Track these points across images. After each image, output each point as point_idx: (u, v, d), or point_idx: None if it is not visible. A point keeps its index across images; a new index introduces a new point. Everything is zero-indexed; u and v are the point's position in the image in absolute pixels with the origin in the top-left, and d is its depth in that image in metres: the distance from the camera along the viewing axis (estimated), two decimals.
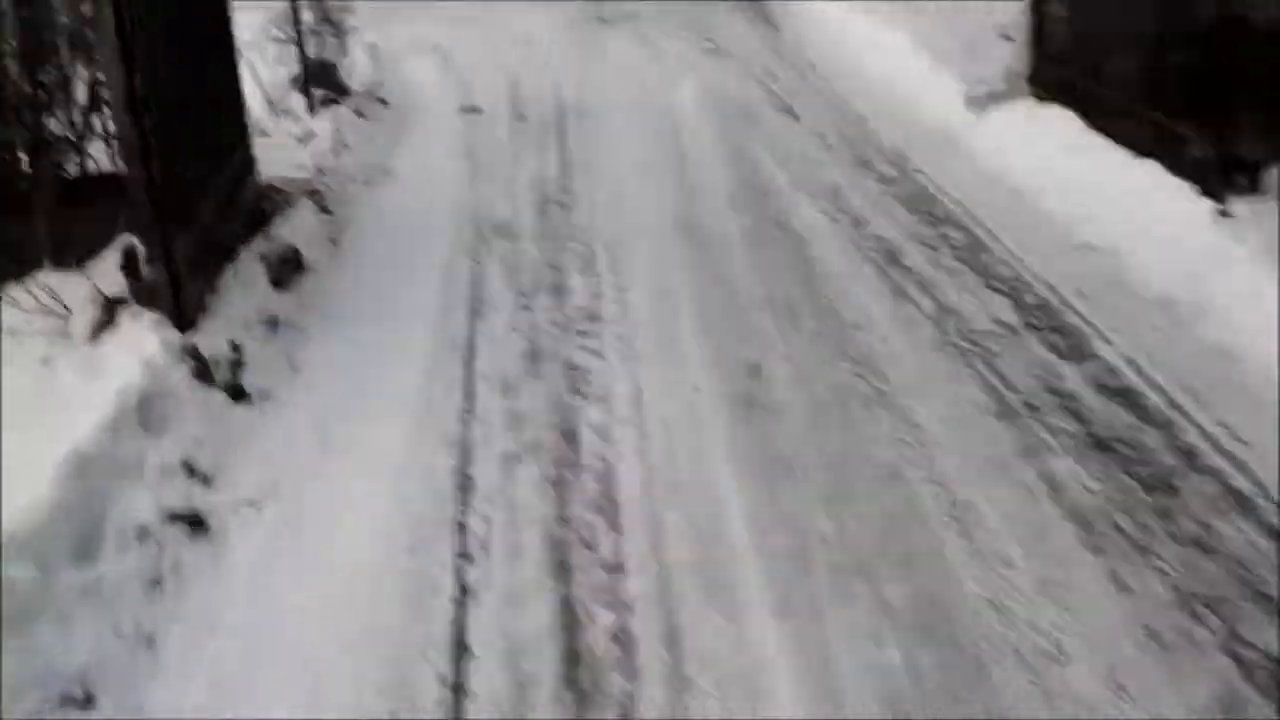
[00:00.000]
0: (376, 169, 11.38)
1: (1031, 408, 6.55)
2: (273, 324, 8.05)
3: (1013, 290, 7.98)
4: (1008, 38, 12.63)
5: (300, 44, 12.71)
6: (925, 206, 9.58)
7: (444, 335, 7.92)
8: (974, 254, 8.59)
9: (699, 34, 16.50)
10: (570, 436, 6.57)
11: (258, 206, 9.60)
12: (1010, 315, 7.62)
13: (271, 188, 10.19)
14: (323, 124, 12.03)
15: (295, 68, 13.00)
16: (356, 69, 14.04)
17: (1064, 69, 10.53)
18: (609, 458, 6.34)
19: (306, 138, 11.82)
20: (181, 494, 6.07)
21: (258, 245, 8.84)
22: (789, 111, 12.43)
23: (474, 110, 13.37)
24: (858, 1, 15.52)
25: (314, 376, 7.48)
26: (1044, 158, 9.90)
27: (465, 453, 6.52)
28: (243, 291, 8.12)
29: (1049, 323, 7.52)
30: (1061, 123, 10.22)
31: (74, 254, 7.49)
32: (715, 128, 12.11)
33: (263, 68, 12.58)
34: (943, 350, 7.24)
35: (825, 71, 14.10)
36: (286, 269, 8.75)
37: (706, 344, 7.45)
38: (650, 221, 9.60)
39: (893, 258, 8.49)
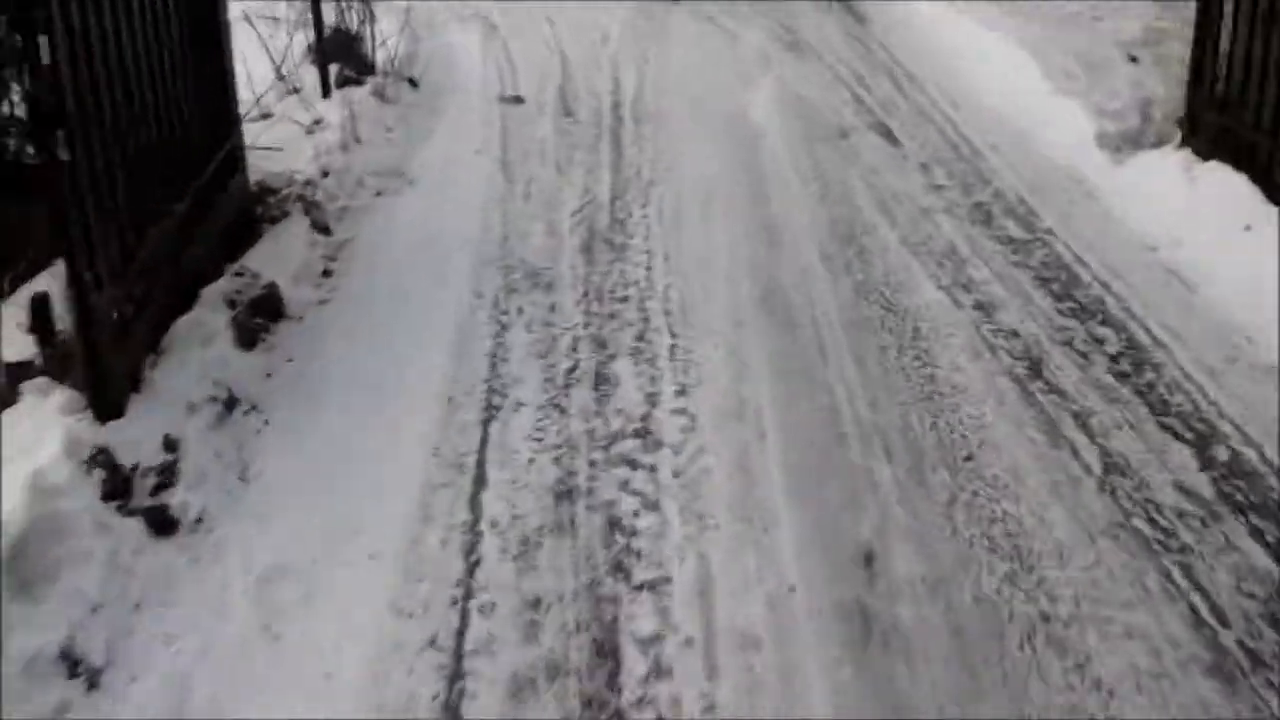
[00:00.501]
0: (392, 173, 9.36)
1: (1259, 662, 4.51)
2: (229, 404, 6.20)
3: (1199, 439, 6.00)
4: (1133, 59, 10.97)
5: (316, 8, 10.39)
6: (1067, 287, 7.59)
7: (445, 445, 6.03)
8: (1139, 370, 6.66)
9: (778, 23, 14.47)
10: (607, 652, 4.64)
11: (239, 219, 7.83)
12: (1202, 484, 5.64)
13: (263, 189, 8.34)
14: (336, 109, 10.00)
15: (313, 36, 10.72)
16: (384, 41, 11.99)
17: (1233, 119, 8.46)
18: (661, 699, 4.37)
19: (314, 126, 9.67)
20: (51, 706, 4.13)
21: (227, 283, 6.71)
22: (886, 133, 10.46)
23: (516, 100, 11.31)
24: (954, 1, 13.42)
25: (269, 497, 5.60)
26: (1209, 231, 7.95)
27: (455, 669, 4.60)
28: (196, 353, 6.33)
29: (1256, 497, 5.51)
30: (1228, 186, 8.26)
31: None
32: (799, 147, 10.14)
33: (276, 34, 10.77)
34: (1119, 540, 5.26)
35: (923, 81, 12.05)
36: (259, 318, 6.84)
37: (801, 509, 5.45)
38: (721, 281, 7.68)
39: (1035, 369, 6.52)
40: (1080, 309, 7.12)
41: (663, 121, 10.67)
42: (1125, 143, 9.49)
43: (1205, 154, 8.45)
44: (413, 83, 11.71)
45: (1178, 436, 5.91)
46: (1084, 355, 6.61)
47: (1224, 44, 8.45)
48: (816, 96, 11.36)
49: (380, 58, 11.73)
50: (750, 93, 11.55)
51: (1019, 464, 5.62)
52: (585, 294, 7.36)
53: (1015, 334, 6.80)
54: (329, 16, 11.29)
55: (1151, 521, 5.28)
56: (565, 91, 11.69)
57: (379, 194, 9.09)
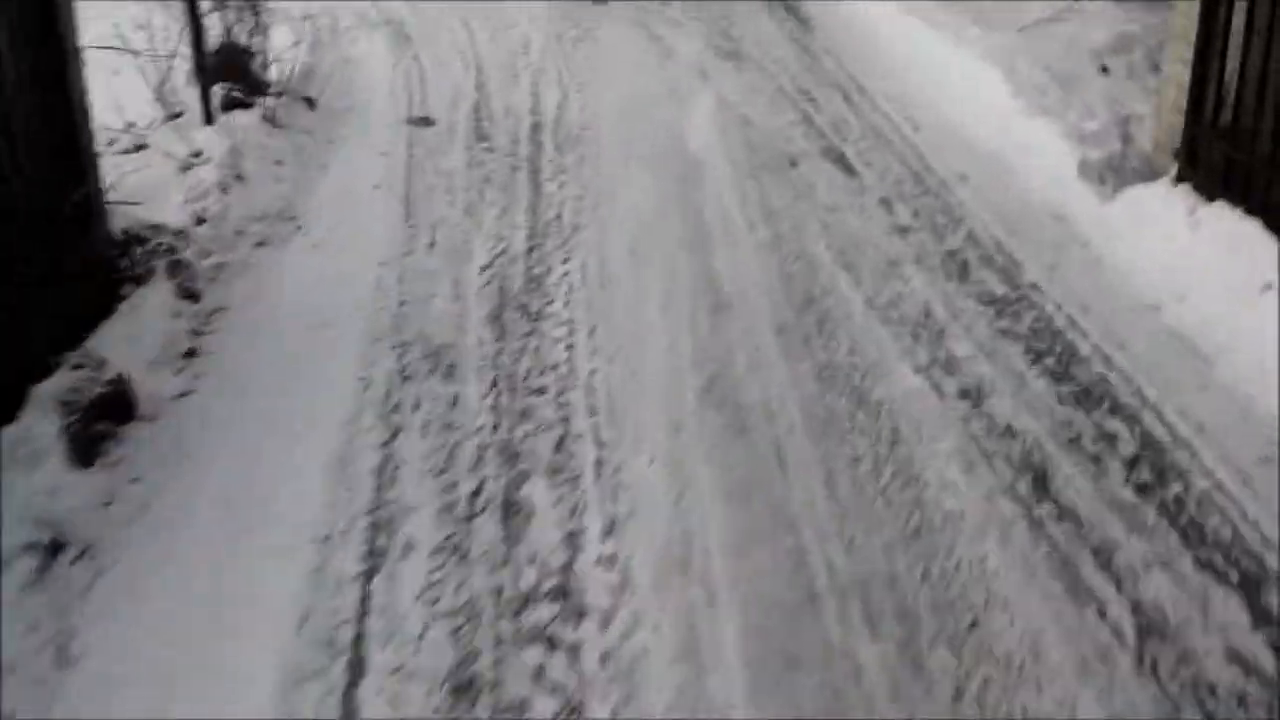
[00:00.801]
0: (279, 216, 8.11)
1: None
2: (54, 550, 5.02)
3: (1246, 581, 4.87)
4: (1105, 69, 9.89)
5: (195, 20, 8.92)
6: (1065, 363, 6.43)
7: (317, 611, 4.75)
8: (1161, 480, 5.50)
9: (715, 29, 13.27)
10: None
11: (94, 284, 6.56)
12: (1258, 649, 4.52)
13: (129, 240, 7.04)
14: (218, 140, 8.60)
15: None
16: (280, 55, 10.75)
17: (1242, 151, 7.31)
18: None
19: (193, 160, 8.20)
20: None
21: (64, 377, 5.42)
22: (840, 160, 9.32)
23: (424, 123, 9.91)
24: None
25: (91, 693, 4.36)
26: (1219, 287, 6.81)
27: None
28: (18, 480, 5.15)
29: None
30: (1238, 232, 7.11)
31: None
32: (744, 179, 8.94)
33: (155, 51, 9.45)
34: None
35: (877, 97, 10.82)
36: (102, 423, 5.63)
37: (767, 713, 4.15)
38: (657, 365, 6.44)
39: (1041, 484, 5.40)
40: (1084, 394, 5.95)
41: (588, 148, 9.35)
42: (1110, 172, 8.29)
43: (1207, 191, 7.29)
44: (310, 103, 10.27)
45: (1220, 577, 4.79)
46: (1095, 461, 5.43)
47: (1231, 63, 7.13)
48: (761, 116, 10.15)
49: (275, 74, 10.40)
50: (687, 112, 10.35)
51: (1035, 631, 4.42)
52: (494, 383, 6.05)
53: (1012, 433, 5.58)
54: (215, 28, 9.70)
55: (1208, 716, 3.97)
56: (480, 111, 10.34)
57: (261, 244, 7.74)
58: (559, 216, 8.10)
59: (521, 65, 11.75)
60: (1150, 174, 8.16)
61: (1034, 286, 7.04)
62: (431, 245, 7.76)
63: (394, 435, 5.71)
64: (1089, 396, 5.93)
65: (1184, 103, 7.75)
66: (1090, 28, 10.53)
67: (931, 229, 7.81)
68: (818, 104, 10.42)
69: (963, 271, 7.24)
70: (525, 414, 5.83)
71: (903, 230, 7.83)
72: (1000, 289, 7.00)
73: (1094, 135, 8.81)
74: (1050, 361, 6.24)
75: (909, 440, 5.57)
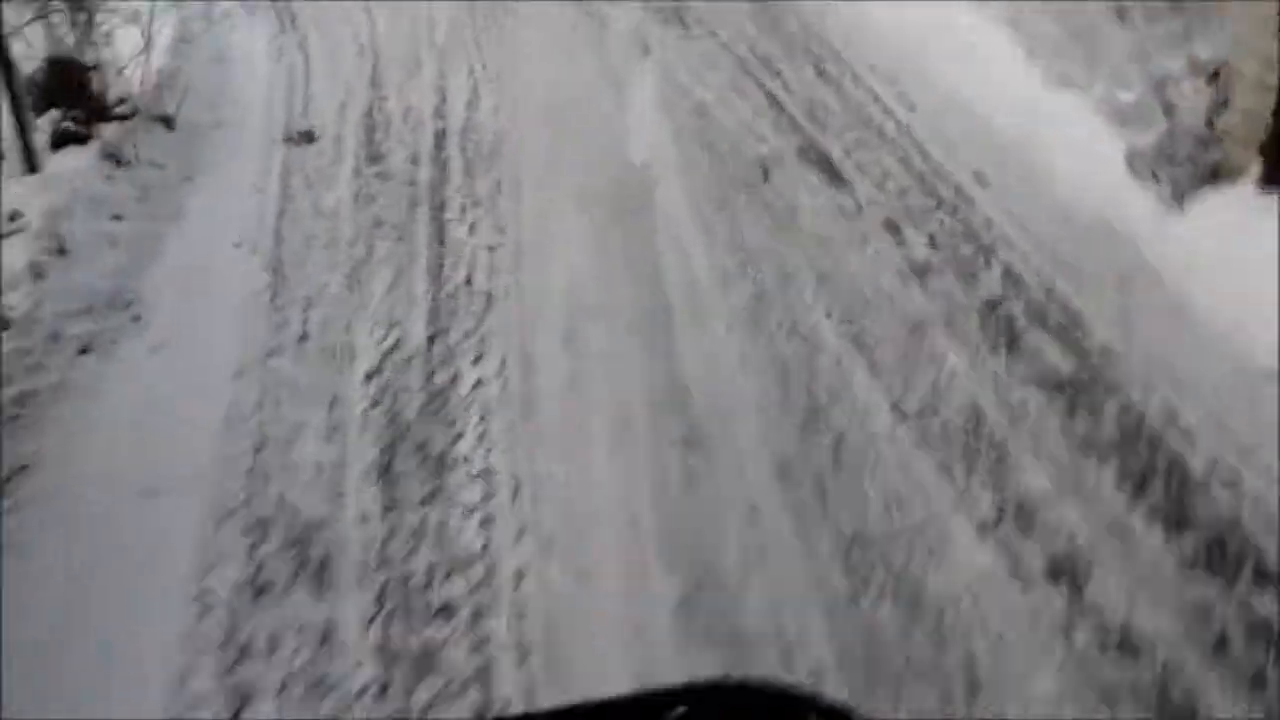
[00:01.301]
0: (110, 303, 6.35)
1: None
2: None
3: None
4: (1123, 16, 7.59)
5: None
6: (1178, 495, 4.49)
7: None
8: None
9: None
10: None
11: None
12: None
13: None
14: (39, 196, 6.34)
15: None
16: (131, 61, 8.73)
17: None
18: None
19: (8, 227, 6.04)
20: None
21: None
22: (824, 164, 7.34)
23: (306, 139, 7.81)
24: None
25: None
26: None
27: None
28: None
29: None
30: None
31: None
32: (706, 209, 6.99)
33: None
34: None
35: (855, 64, 8.71)
36: None
37: None
38: (616, 564, 4.49)
39: None
40: (1212, 555, 3.74)
41: (505, 167, 7.50)
42: (1166, 166, 6.25)
43: None
44: (168, 123, 8.13)
45: None
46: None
47: None
48: (719, 102, 8.23)
49: (125, 89, 8.33)
50: (627, 102, 8.39)
51: None
52: (381, 597, 3.90)
53: (1133, 648, 3.35)
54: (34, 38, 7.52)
55: None
56: (374, 115, 8.39)
57: (85, 351, 5.60)
58: (468, 281, 6.11)
59: (426, 48, 9.75)
60: (1219, 170, 6.04)
61: (1107, 355, 5.08)
62: (302, 339, 5.71)
63: (241, 704, 3.55)
64: (1221, 559, 3.79)
65: (1275, 81, 5.58)
66: None
67: (957, 267, 5.78)
68: (786, 81, 8.31)
69: (1010, 337, 5.25)
70: (426, 662, 3.71)
71: (920, 271, 5.78)
72: (1064, 364, 5.07)
73: (1133, 110, 7.00)
74: (1157, 496, 4.14)
75: (991, 683, 3.40)
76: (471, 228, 6.67)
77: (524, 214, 6.77)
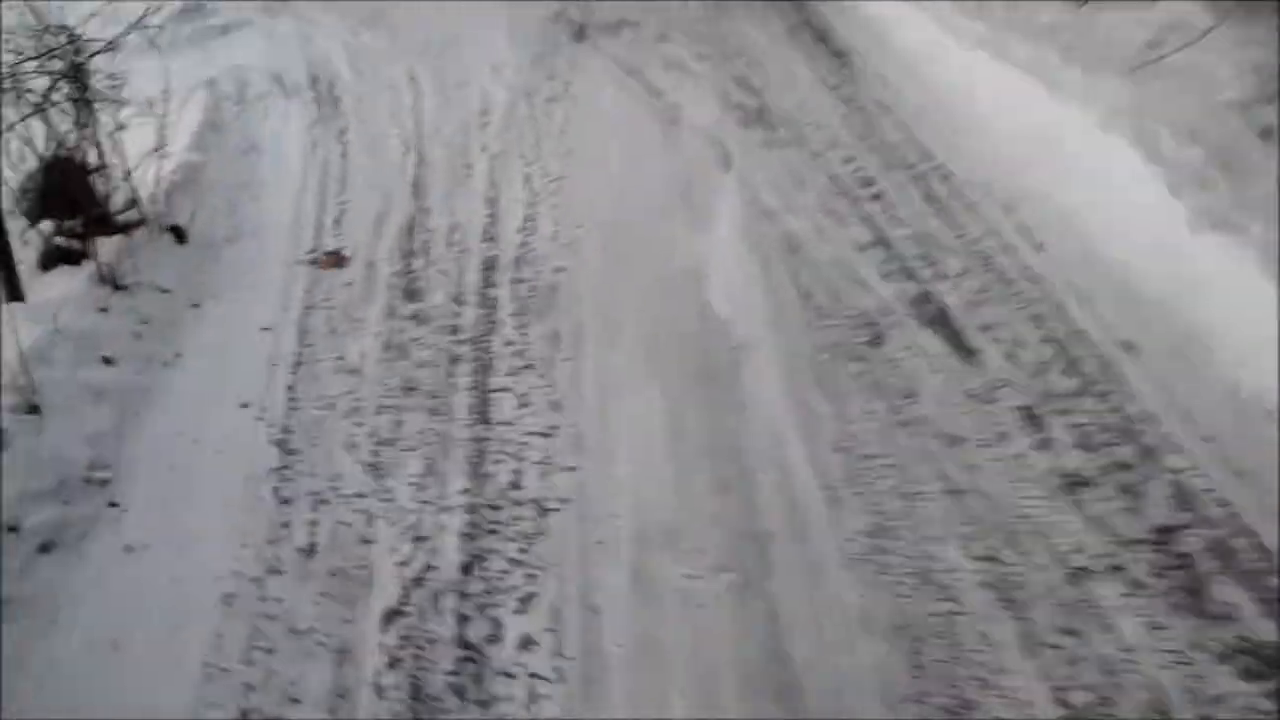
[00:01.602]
0: (85, 480, 5.49)
1: None
2: None
3: None
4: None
5: None
6: None
7: None
8: None
9: (729, 72, 9.93)
10: None
11: None
12: None
13: None
14: (17, 332, 5.19)
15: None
16: (155, 154, 7.61)
17: None
18: None
19: None
20: None
21: None
22: (944, 324, 6.17)
23: (334, 262, 6.61)
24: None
25: None
26: None
27: None
28: None
29: None
30: None
31: None
32: (804, 388, 5.76)
33: None
34: None
35: (966, 184, 7.56)
36: None
37: None
38: None
39: None
40: None
41: (563, 313, 6.40)
42: None
43: None
44: (179, 234, 6.84)
45: None
46: None
47: None
48: (812, 232, 7.12)
49: (137, 189, 7.50)
50: (705, 227, 7.26)
51: None
52: None
53: None
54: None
55: None
56: (415, 234, 7.38)
57: (46, 549, 4.51)
58: (516, 484, 4.74)
59: (477, 145, 8.63)
60: None
61: None
62: (310, 552, 4.39)
63: None
64: None
65: None
66: (1212, 58, 7.09)
67: (1115, 479, 4.50)
68: (889, 203, 7.09)
69: (1192, 589, 3.77)
70: None
71: (1072, 486, 4.47)
72: (1267, 632, 3.53)
73: None
74: None
75: None
76: (522, 400, 5.38)
77: (585, 382, 5.50)
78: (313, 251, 7.15)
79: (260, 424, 5.48)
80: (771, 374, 5.50)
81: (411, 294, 6.50)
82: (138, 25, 7.27)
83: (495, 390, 5.56)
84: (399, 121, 9.05)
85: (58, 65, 6.73)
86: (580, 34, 10.65)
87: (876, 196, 7.23)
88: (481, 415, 5.39)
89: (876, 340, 5.77)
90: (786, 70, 9.40)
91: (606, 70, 9.74)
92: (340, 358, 5.96)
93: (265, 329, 6.34)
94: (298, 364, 5.94)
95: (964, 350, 5.61)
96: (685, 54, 10.00)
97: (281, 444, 5.32)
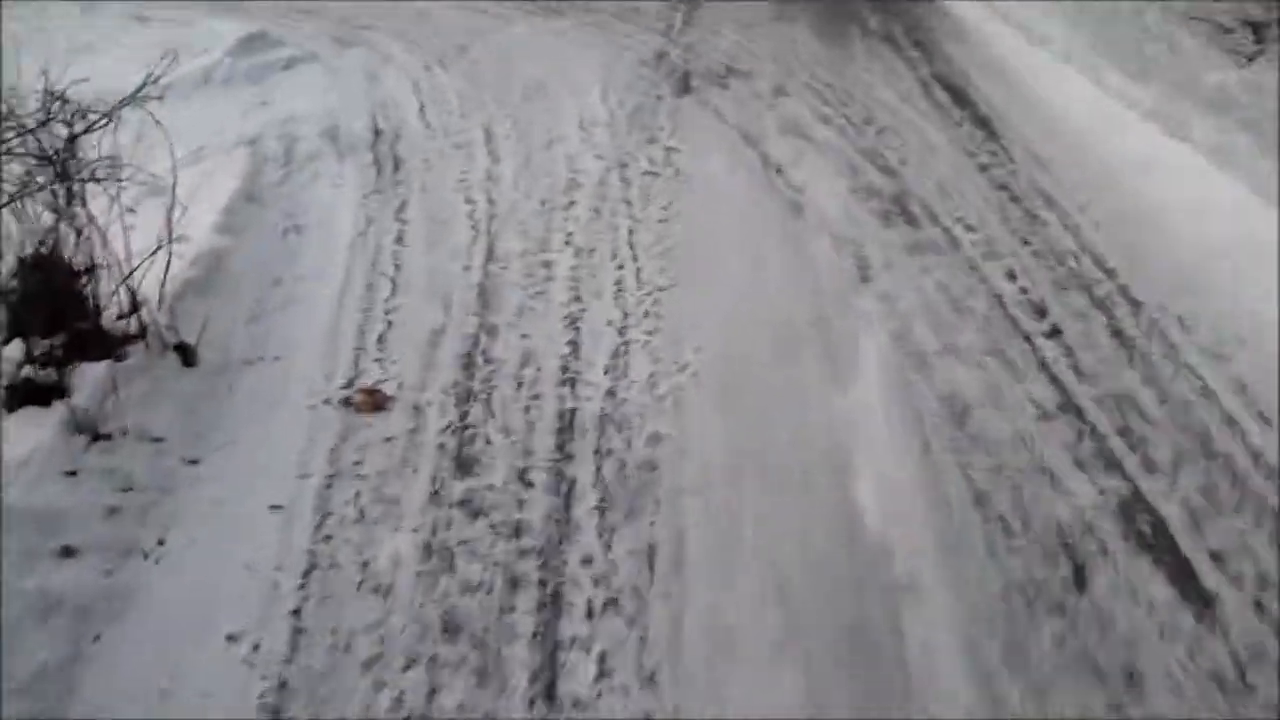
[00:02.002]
0: None
1: None
2: None
3: None
4: None
5: None
6: None
7: None
8: None
9: (853, 139, 8.59)
10: None
11: None
12: None
13: None
14: None
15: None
16: (150, 253, 6.10)
17: None
18: None
19: None
20: None
21: None
22: (1168, 551, 4.59)
23: (370, 400, 4.84)
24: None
25: None
26: None
27: None
28: None
29: None
30: None
31: None
32: (986, 646, 4.14)
33: None
34: None
35: (1163, 317, 6.13)
36: None
37: None
38: None
39: None
40: None
41: (660, 511, 4.88)
42: None
43: None
44: (186, 355, 5.12)
45: None
46: None
47: None
48: (981, 389, 5.56)
49: (138, 290, 5.99)
50: (844, 377, 5.70)
51: None
52: None
53: None
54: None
55: None
56: (475, 371, 5.83)
57: None
58: None
59: (560, 234, 7.19)
60: None
61: None
62: None
63: None
64: None
65: None
66: None
67: None
68: (1070, 346, 5.70)
69: None
70: None
71: None
72: None
73: None
74: None
75: None
76: (603, 666, 3.62)
77: (690, 640, 3.92)
78: (348, 386, 5.37)
79: (251, 670, 3.84)
80: (944, 638, 3.85)
81: (465, 464, 4.83)
82: (138, 94, 5.53)
83: (567, 642, 3.79)
84: (469, 194, 7.43)
85: (40, 143, 5.10)
86: (684, 85, 8.96)
87: (1053, 332, 5.56)
88: (546, 687, 3.70)
89: (1079, 578, 4.07)
90: (923, 140, 7.72)
91: (715, 133, 8.08)
92: (366, 564, 4.29)
93: (275, 507, 4.64)
94: (310, 570, 4.27)
95: (1195, 596, 3.83)
96: (805, 113, 8.28)
97: (274, 709, 3.59)
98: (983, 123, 8.35)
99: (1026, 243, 6.62)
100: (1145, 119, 7.97)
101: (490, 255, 6.71)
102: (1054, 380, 5.32)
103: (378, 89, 9.80)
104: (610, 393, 5.34)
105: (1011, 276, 6.24)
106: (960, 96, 8.87)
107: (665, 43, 10.77)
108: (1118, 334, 5.70)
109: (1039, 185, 7.26)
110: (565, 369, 5.56)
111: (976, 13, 11.26)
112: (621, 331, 5.82)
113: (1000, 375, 5.33)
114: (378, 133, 8.69)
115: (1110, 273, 6.26)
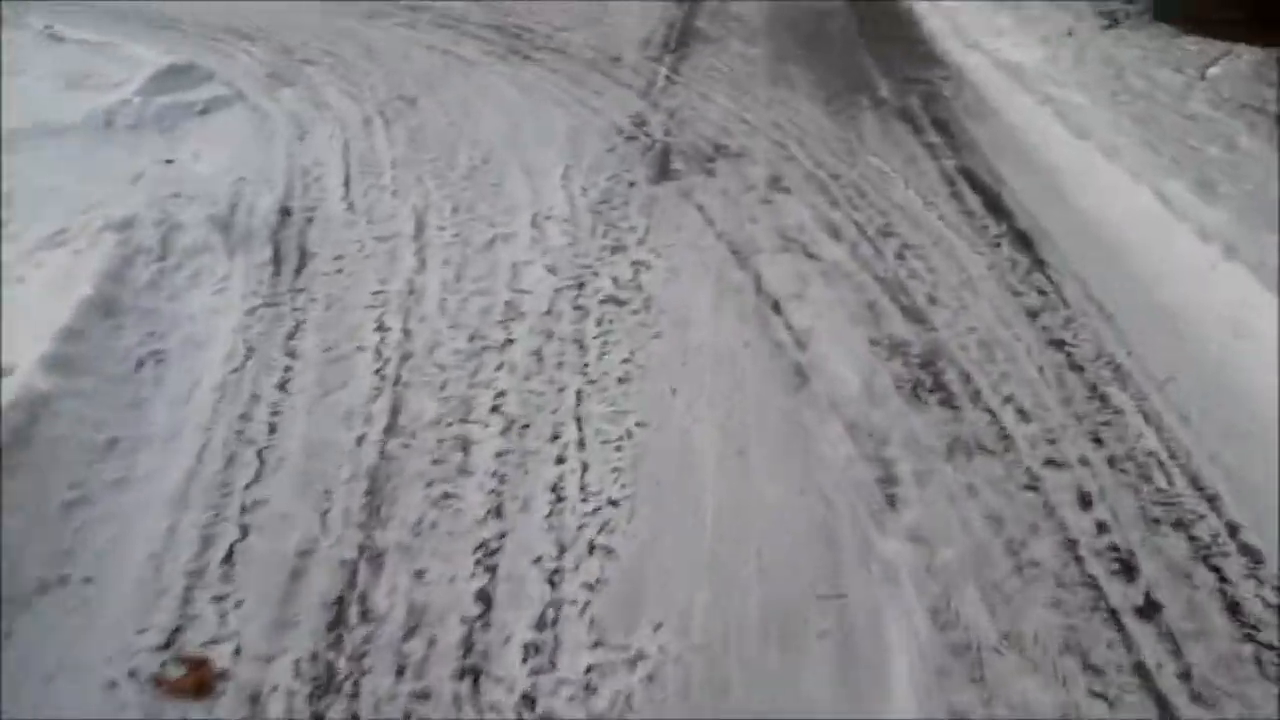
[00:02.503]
0: None
1: None
2: None
3: None
4: None
5: None
6: None
7: None
8: None
9: (870, 262, 6.79)
10: None
11: None
12: None
13: None
14: None
15: None
16: None
17: None
18: None
19: None
20: None
21: None
22: None
23: (186, 680, 3.62)
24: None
25: None
26: None
27: None
28: None
29: None
30: None
31: None
32: None
33: None
34: None
35: None
36: None
37: None
38: None
39: None
40: None
41: None
42: None
43: None
44: None
45: None
46: None
47: None
48: None
49: None
50: (871, 690, 3.95)
51: None
52: None
53: None
54: None
55: None
56: (348, 624, 4.32)
57: None
58: None
59: (486, 393, 5.39)
60: None
61: None
62: None
63: None
64: None
65: None
66: None
67: None
68: (1171, 632, 4.06)
69: None
70: None
71: None
72: None
73: None
74: None
75: None
76: None
77: None
78: (165, 647, 3.44)
79: None
80: None
81: None
82: None
83: None
84: (382, 317, 5.60)
85: None
86: (663, 167, 7.14)
87: (1147, 608, 3.80)
88: None
89: None
90: (955, 265, 6.09)
91: (697, 241, 6.38)
92: None
93: None
94: None
95: None
96: (809, 218, 6.46)
97: None
98: (1025, 243, 6.49)
99: (1098, 441, 4.76)
100: (1228, 256, 6.02)
101: (393, 422, 4.79)
102: (1160, 700, 3.35)
103: (303, 148, 7.94)
104: (528, 700, 3.32)
105: (1085, 502, 4.41)
106: (994, 202, 7.00)
107: (645, 105, 8.82)
108: (1235, 611, 3.75)
109: (1104, 345, 5.42)
110: (468, 648, 3.69)
111: (999, 82, 9.38)
112: (554, 580, 3.93)
113: (1083, 697, 3.37)
114: (286, 212, 6.81)
115: (1212, 501, 4.39)
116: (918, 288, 6.12)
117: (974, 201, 7.26)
